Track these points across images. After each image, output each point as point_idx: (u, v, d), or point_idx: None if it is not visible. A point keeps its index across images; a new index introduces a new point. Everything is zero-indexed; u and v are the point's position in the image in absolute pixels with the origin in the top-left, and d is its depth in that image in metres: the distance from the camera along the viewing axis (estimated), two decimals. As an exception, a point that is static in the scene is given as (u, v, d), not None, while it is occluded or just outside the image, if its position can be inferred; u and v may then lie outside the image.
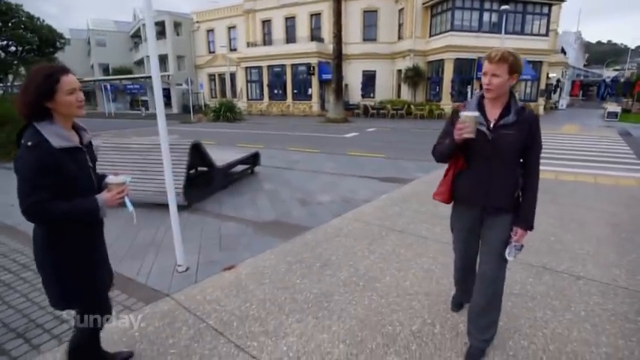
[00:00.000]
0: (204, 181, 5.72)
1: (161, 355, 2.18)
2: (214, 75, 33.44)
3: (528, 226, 1.93)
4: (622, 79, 43.19)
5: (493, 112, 1.89)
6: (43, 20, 12.28)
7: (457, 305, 2.55)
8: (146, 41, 35.14)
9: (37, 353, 2.22)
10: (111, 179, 1.70)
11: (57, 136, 1.53)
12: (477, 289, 2.06)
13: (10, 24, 11.19)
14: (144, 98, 36.48)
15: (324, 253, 3.51)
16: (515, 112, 1.83)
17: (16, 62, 11.98)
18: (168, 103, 35.80)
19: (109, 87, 32.63)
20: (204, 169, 5.85)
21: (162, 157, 3.10)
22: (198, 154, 5.28)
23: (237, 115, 23.03)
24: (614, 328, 2.36)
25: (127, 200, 1.75)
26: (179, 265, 3.25)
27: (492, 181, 1.92)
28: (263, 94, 28.43)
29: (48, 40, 12.11)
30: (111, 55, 40.48)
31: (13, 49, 11.72)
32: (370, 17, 25.59)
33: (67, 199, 1.54)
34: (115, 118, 29.29)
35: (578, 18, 54.64)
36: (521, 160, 1.93)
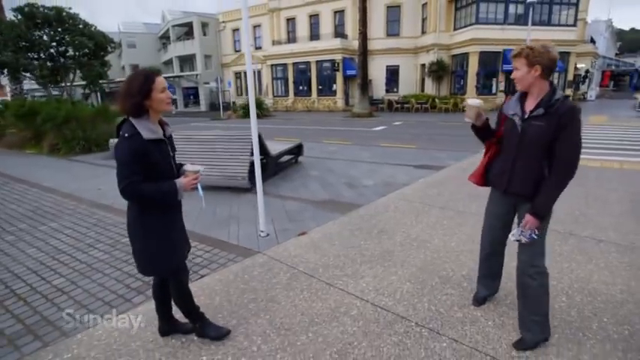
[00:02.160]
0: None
1: (270, 289, 2.89)
2: (240, 73, 34.48)
3: (536, 213, 1.95)
4: (656, 68, 41.62)
5: (530, 104, 2.00)
6: (96, 27, 13.53)
7: (479, 300, 2.56)
8: (175, 42, 36.31)
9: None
10: (188, 167, 2.02)
11: (147, 129, 1.81)
12: (517, 281, 2.17)
13: (69, 32, 12.43)
14: (173, 97, 38.02)
15: (379, 224, 4.17)
16: (545, 105, 1.90)
17: (74, 65, 13.27)
18: (196, 101, 37.25)
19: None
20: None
21: (253, 147, 3.84)
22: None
23: (265, 111, 23.92)
24: (628, 274, 2.92)
25: (199, 186, 2.04)
26: (261, 231, 3.98)
27: (516, 168, 2.04)
28: (288, 91, 29.24)
29: (102, 45, 13.32)
30: (140, 56, 42.08)
31: (71, 53, 12.99)
32: (393, 12, 25.89)
33: (152, 182, 1.84)
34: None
35: (609, 5, 52.66)
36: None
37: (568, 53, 22.93)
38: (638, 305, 2.52)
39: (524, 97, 2.05)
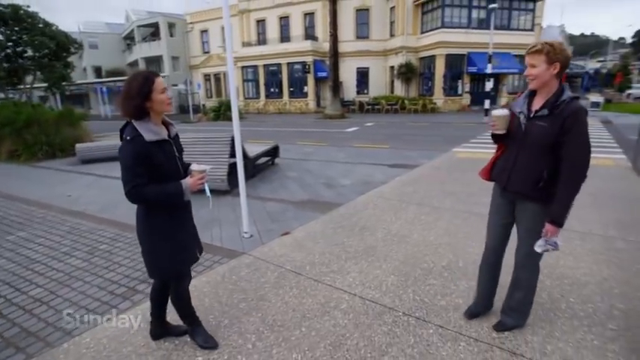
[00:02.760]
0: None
1: (259, 288, 2.93)
2: (209, 75, 33.90)
3: (554, 221, 1.90)
4: (604, 71, 44.81)
5: (537, 103, 1.95)
6: (57, 27, 12.83)
7: (471, 314, 2.43)
8: (140, 43, 35.11)
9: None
10: (194, 167, 1.98)
11: (149, 131, 1.80)
12: (513, 273, 2.23)
13: (27, 31, 11.73)
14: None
15: (360, 221, 4.29)
16: (550, 106, 1.86)
17: (33, 67, 12.50)
18: (164, 103, 36.15)
19: (104, 89, 32.81)
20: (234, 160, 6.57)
21: (236, 150, 3.85)
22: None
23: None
24: (590, 259, 3.20)
25: (206, 186, 2.02)
26: (245, 232, 4.00)
27: (516, 166, 2.02)
28: (259, 93, 29.07)
29: (64, 45, 12.64)
30: (103, 57, 40.36)
31: (30, 53, 12.23)
32: (362, 15, 26.39)
33: (157, 184, 1.82)
34: (112, 120, 29.54)
35: (562, 12, 56.17)
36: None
37: (526, 56, 24.19)
38: (599, 286, 2.78)
39: (533, 95, 2.01)
